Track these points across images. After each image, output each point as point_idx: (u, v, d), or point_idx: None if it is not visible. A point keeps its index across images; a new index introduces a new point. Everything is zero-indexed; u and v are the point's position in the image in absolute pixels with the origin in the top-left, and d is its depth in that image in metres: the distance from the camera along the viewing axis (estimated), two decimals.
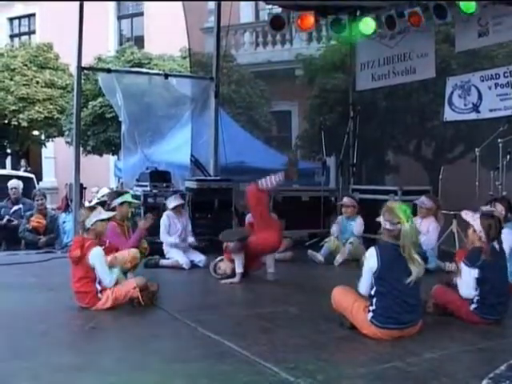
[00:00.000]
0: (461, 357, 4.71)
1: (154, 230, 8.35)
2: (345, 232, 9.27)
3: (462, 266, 5.57)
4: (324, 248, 9.22)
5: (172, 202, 8.90)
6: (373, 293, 5.09)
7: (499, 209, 6.95)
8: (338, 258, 8.89)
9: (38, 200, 11.06)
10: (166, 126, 12.20)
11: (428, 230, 8.31)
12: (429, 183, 12.06)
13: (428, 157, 15.39)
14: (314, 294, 6.79)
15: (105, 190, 12.63)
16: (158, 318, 5.83)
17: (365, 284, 5.18)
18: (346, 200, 9.46)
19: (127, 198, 7.66)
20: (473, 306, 5.55)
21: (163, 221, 8.83)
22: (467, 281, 5.54)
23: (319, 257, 9.16)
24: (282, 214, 9.05)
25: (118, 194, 7.89)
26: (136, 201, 7.79)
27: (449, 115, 10.91)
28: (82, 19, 9.93)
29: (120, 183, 11.99)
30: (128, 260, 6.74)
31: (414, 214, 8.37)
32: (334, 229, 9.41)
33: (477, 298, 5.54)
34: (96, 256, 5.96)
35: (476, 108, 10.30)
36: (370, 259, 5.09)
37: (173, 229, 8.89)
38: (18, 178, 15.81)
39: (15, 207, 11.23)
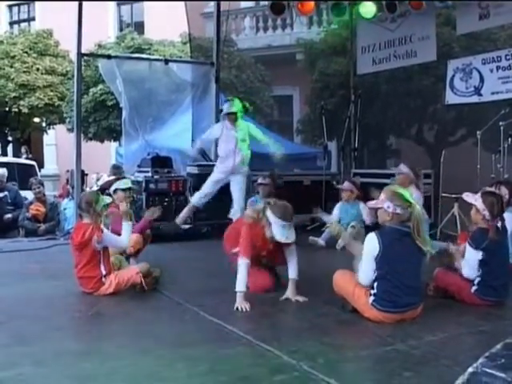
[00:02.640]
0: (462, 339, 4.74)
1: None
2: (345, 216, 9.26)
3: (467, 246, 5.59)
4: (325, 232, 9.21)
5: (226, 108, 8.93)
6: (374, 277, 5.11)
7: (503, 192, 6.96)
8: (340, 242, 8.89)
9: (34, 188, 11.09)
10: (167, 111, 12.19)
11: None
12: (430, 167, 12.06)
13: (429, 140, 15.38)
14: (316, 278, 6.78)
15: (105, 177, 12.61)
16: (160, 303, 5.86)
17: (366, 273, 5.14)
18: (345, 184, 9.45)
19: (119, 185, 7.56)
20: (474, 288, 5.58)
21: (214, 128, 9.13)
22: (470, 261, 5.57)
23: (320, 242, 9.17)
24: (284, 199, 9.04)
25: (116, 180, 7.88)
26: (127, 186, 7.55)
27: (450, 98, 10.91)
28: (82, 5, 9.90)
29: (112, 168, 11.86)
30: (131, 245, 6.77)
31: None
32: (335, 213, 9.40)
33: (478, 279, 5.57)
34: (105, 237, 6.03)
35: (478, 91, 10.28)
36: (370, 245, 5.08)
37: (224, 138, 8.88)
38: (19, 165, 15.94)
39: (0, 194, 11.23)
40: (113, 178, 9.53)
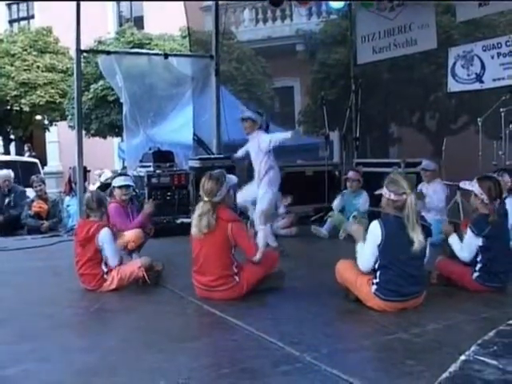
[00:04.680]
0: (465, 326, 4.73)
1: (161, 209, 8.28)
2: (350, 206, 9.26)
3: (468, 231, 5.60)
4: (328, 222, 9.22)
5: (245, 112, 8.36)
6: (376, 266, 5.11)
7: (506, 179, 6.98)
8: (342, 232, 8.90)
9: (36, 186, 11.10)
10: (168, 106, 12.18)
11: (434, 192, 8.35)
12: (433, 154, 12.05)
13: (431, 128, 15.39)
14: (319, 268, 6.82)
15: (108, 174, 12.64)
16: (163, 297, 5.86)
17: (367, 259, 5.16)
18: (351, 174, 9.43)
19: (115, 182, 7.55)
20: (475, 275, 5.59)
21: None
22: (470, 246, 5.59)
23: (323, 231, 9.18)
24: (286, 190, 9.06)
25: (119, 175, 7.90)
26: (122, 183, 7.49)
27: (452, 86, 10.87)
28: (80, 2, 9.90)
29: (123, 166, 12.02)
30: (132, 240, 6.79)
31: (419, 182, 8.44)
32: (336, 203, 9.39)
33: (479, 265, 5.58)
34: (105, 237, 6.03)
35: (479, 78, 10.25)
36: (374, 233, 5.09)
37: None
38: (22, 163, 15.97)
39: (11, 196, 11.25)
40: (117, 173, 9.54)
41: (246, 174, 8.98)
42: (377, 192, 5.32)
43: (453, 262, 5.85)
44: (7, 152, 23.52)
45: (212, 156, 11.33)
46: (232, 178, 5.98)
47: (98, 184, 11.67)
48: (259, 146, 7.93)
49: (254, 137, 8.02)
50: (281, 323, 4.86)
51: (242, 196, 8.13)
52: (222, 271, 5.55)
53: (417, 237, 4.97)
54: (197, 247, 5.63)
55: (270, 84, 17.90)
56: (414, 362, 3.93)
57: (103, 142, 20.94)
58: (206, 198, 5.61)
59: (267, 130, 8.19)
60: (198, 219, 5.58)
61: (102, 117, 18.99)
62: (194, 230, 5.61)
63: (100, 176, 13.24)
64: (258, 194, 8.03)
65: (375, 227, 5.10)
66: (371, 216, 8.32)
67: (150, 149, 10.70)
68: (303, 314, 5.12)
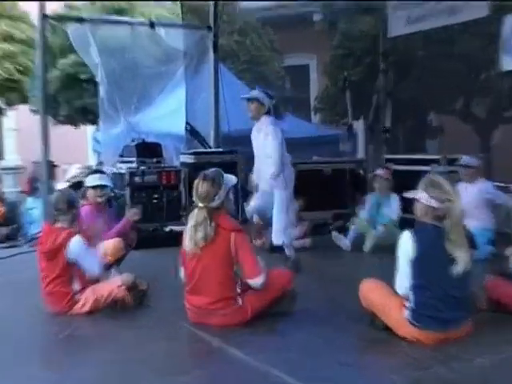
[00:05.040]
0: None
1: (146, 214, 8.33)
2: (377, 212, 9.27)
3: None
4: (351, 231, 9.24)
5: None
6: (410, 286, 5.10)
7: None
8: (367, 244, 8.91)
9: None
10: (155, 87, 12.21)
11: (481, 192, 8.40)
12: (480, 148, 12.03)
13: (480, 116, 15.36)
14: (339, 287, 6.84)
15: (73, 170, 12.63)
16: (148, 322, 5.88)
17: (402, 279, 5.14)
18: (380, 171, 9.44)
19: (88, 181, 7.58)
20: None
21: None
22: None
23: (346, 242, 9.19)
24: (299, 192, 9.10)
25: (93, 172, 7.91)
26: (96, 183, 7.51)
27: (508, 63, 10.80)
28: None
29: (99, 161, 12.02)
30: (109, 253, 6.76)
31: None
32: (365, 212, 9.42)
33: None
34: (77, 248, 6.03)
35: None
36: (405, 247, 5.08)
37: None
38: None
39: None
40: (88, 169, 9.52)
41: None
42: (408, 195, 5.32)
43: (505, 283, 5.80)
44: None
45: (209, 150, 11.37)
46: (231, 179, 5.92)
47: (63, 184, 11.66)
48: (265, 136, 7.92)
49: (261, 124, 8.00)
50: (290, 353, 4.89)
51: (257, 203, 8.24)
52: (223, 291, 5.56)
53: (462, 255, 4.95)
54: (192, 262, 5.63)
55: (280, 62, 17.93)
56: None
57: (74, 131, 20.97)
58: (200, 204, 5.60)
59: (280, 118, 8.19)
60: (192, 230, 5.57)
61: (72, 100, 19.00)
62: (188, 244, 5.60)
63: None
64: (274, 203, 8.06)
65: (407, 240, 5.08)
66: (402, 224, 8.34)
67: (132, 140, 10.72)
68: (318, 343, 5.14)
